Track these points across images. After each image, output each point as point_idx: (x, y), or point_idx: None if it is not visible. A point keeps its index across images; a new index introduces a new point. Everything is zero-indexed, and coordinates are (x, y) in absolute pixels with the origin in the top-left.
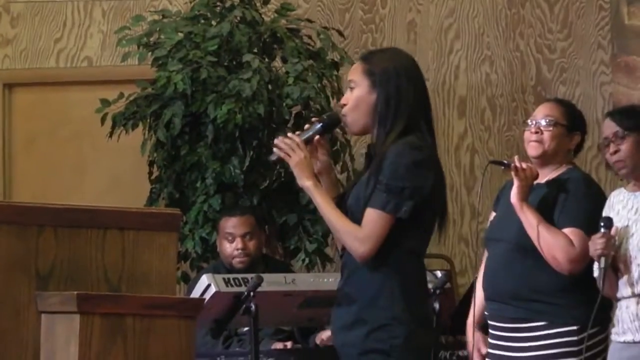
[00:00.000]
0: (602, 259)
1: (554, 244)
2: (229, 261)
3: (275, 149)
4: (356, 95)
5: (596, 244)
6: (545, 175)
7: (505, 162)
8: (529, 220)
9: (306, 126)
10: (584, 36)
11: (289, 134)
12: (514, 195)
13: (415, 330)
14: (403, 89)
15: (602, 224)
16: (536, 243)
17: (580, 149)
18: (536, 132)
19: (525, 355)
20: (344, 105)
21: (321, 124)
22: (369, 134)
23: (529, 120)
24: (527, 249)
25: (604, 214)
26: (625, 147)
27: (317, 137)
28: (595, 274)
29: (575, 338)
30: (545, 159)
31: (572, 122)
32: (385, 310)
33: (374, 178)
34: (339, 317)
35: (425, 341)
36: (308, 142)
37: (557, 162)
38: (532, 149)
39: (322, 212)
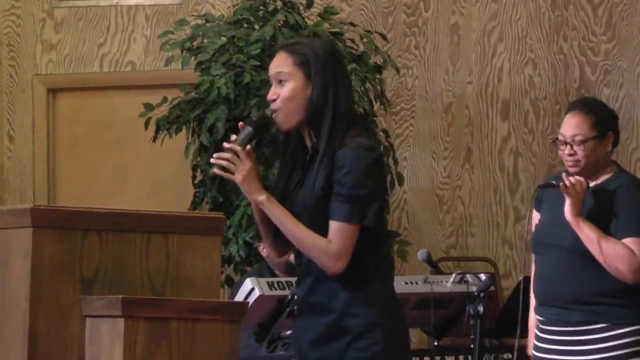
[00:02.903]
0: None
1: (616, 255)
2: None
3: (214, 167)
4: (291, 88)
5: None
6: (592, 180)
7: (554, 182)
8: (587, 235)
9: (233, 137)
10: (627, 38)
11: (225, 145)
12: (568, 213)
13: (394, 332)
14: (339, 81)
15: None
16: (597, 257)
17: (617, 143)
18: (570, 155)
19: (590, 358)
20: (273, 99)
21: (251, 127)
22: (299, 128)
23: (559, 137)
24: (585, 254)
25: None
26: None
27: (248, 146)
28: None
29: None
30: (586, 171)
31: (602, 128)
32: (361, 317)
33: (324, 183)
34: (308, 329)
35: (405, 341)
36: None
37: (600, 167)
38: (570, 167)
39: (283, 227)
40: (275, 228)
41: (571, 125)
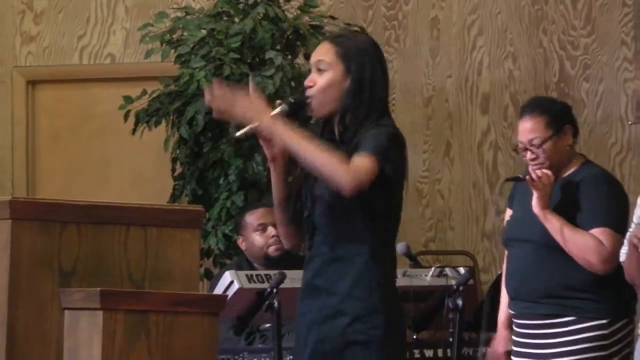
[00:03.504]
0: None
1: (585, 247)
2: (264, 252)
3: (237, 132)
4: (329, 79)
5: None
6: (559, 174)
7: (521, 176)
8: (555, 227)
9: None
10: (607, 32)
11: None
12: (535, 205)
13: (393, 320)
14: (377, 77)
15: None
16: (566, 248)
17: (577, 132)
18: (532, 159)
19: (556, 350)
20: (310, 86)
21: (287, 105)
22: (331, 117)
23: (519, 144)
24: (554, 248)
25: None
26: None
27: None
28: (622, 258)
29: (605, 332)
30: (553, 169)
31: (556, 125)
32: (363, 300)
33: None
34: (309, 312)
35: (402, 330)
36: None
37: (566, 161)
38: (535, 170)
39: (297, 150)
40: (292, 214)
41: (526, 131)
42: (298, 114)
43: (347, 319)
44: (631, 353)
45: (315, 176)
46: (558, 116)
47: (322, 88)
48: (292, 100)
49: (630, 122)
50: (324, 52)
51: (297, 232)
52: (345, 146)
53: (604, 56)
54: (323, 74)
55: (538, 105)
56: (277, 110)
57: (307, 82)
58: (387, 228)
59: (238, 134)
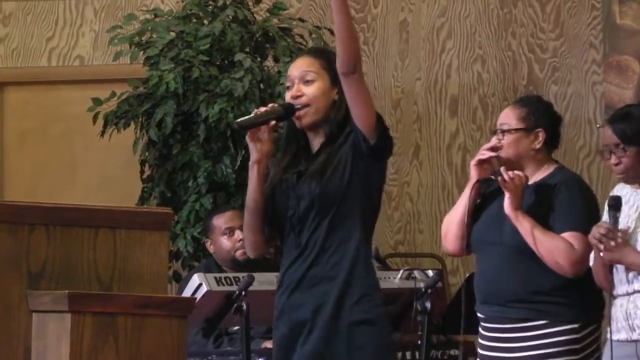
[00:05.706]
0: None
1: (555, 249)
2: (231, 255)
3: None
4: (319, 87)
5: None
6: (531, 177)
7: (492, 177)
8: (526, 228)
9: (262, 109)
10: (575, 36)
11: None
12: (507, 206)
13: (381, 296)
14: None
15: (610, 203)
16: (536, 250)
17: (555, 143)
18: (492, 144)
19: (527, 354)
20: (299, 95)
21: (283, 109)
22: (313, 129)
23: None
24: (524, 251)
25: (606, 205)
26: (626, 160)
27: (273, 122)
28: (592, 262)
29: (577, 336)
30: (511, 164)
31: (530, 122)
32: (364, 279)
33: (352, 158)
34: (310, 299)
35: None
36: (264, 123)
37: (533, 163)
38: (507, 172)
39: None
40: (264, 220)
41: (502, 116)
42: (287, 120)
43: (352, 299)
44: (601, 357)
45: (299, 175)
46: (536, 115)
47: (316, 97)
48: (286, 105)
49: (598, 125)
50: (308, 64)
51: (265, 242)
52: (325, 153)
53: (572, 59)
54: (312, 85)
55: (526, 98)
56: (272, 111)
57: (294, 93)
58: (372, 209)
59: (240, 120)
